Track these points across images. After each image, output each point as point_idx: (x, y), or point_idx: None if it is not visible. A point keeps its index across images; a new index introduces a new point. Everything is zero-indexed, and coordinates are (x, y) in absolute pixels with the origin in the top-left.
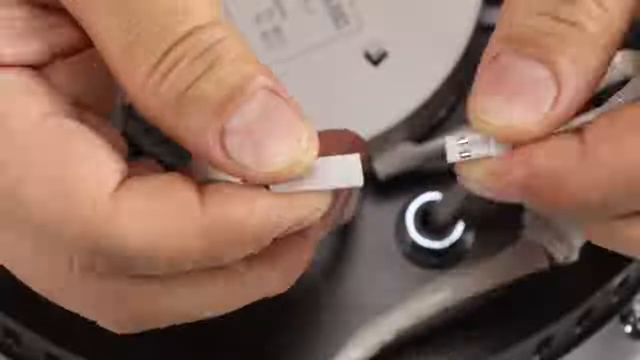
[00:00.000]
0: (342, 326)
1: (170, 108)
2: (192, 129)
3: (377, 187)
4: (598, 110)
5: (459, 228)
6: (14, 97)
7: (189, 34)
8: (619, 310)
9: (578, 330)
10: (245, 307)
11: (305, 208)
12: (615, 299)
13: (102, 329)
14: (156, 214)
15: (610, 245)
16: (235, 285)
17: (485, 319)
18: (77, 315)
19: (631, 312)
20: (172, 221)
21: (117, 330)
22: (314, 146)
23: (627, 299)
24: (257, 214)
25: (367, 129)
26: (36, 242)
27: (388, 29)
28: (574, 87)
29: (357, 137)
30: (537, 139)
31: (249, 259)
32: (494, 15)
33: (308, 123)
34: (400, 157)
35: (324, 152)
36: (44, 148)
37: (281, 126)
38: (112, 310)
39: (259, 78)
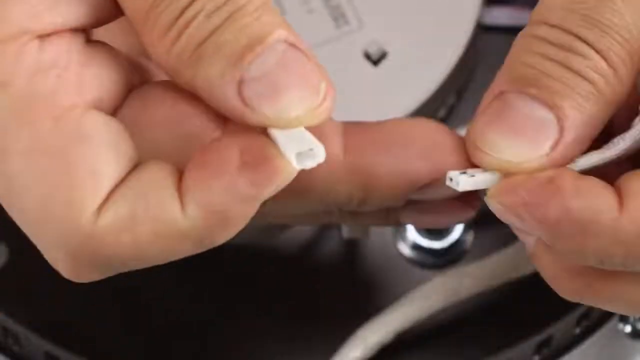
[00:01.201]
0: (341, 326)
1: (188, 60)
2: (210, 79)
3: None
4: (599, 154)
5: (459, 228)
6: (47, 80)
7: None
8: None
9: (577, 330)
10: (246, 307)
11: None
12: None
13: (101, 329)
14: (138, 224)
15: (591, 295)
16: None
17: (485, 319)
18: (77, 315)
19: None
20: (154, 229)
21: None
22: (331, 98)
23: None
24: (235, 197)
25: None
26: (29, 234)
27: (388, 29)
28: (576, 134)
29: None
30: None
31: None
32: (494, 15)
33: (326, 76)
34: None
35: None
36: (51, 149)
37: (299, 76)
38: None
39: (279, 31)
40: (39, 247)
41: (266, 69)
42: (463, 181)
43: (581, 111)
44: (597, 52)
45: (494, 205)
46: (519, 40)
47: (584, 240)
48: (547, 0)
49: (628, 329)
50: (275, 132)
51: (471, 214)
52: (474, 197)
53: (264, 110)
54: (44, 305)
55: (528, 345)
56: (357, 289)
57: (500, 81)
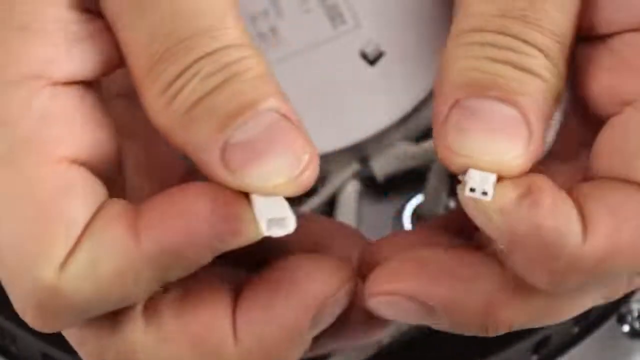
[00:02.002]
0: None
1: (180, 121)
2: (197, 142)
3: (374, 187)
4: None
5: None
6: (49, 128)
7: (214, 52)
8: (617, 310)
9: (576, 329)
10: None
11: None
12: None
13: None
14: (98, 268)
15: (527, 305)
16: None
17: None
18: None
19: (629, 311)
20: (113, 271)
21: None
22: (314, 168)
23: (625, 298)
24: (192, 236)
25: (363, 129)
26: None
27: (384, 29)
28: (540, 128)
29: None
30: (522, 173)
31: None
32: None
33: (311, 147)
34: (397, 157)
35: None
36: (34, 199)
37: (283, 144)
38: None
39: (271, 100)
40: (10, 296)
41: (251, 135)
42: (490, 190)
43: (539, 106)
44: (541, 51)
45: (469, 205)
46: (454, 50)
47: (543, 261)
48: (474, 8)
49: (626, 328)
50: (255, 197)
51: (381, 333)
52: (380, 321)
53: (244, 176)
54: None
55: (526, 344)
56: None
57: (449, 90)
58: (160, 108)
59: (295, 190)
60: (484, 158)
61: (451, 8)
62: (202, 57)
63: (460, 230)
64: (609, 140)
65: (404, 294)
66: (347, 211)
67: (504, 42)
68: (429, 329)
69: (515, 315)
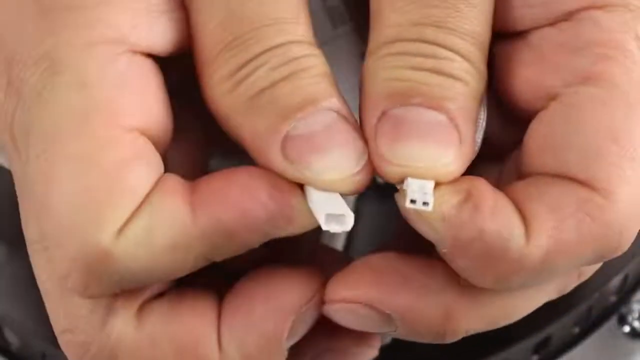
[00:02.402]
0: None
1: (242, 107)
2: (257, 129)
3: (376, 188)
4: None
5: None
6: (121, 97)
7: (283, 45)
8: (617, 310)
9: (576, 330)
10: None
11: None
12: (613, 299)
13: None
14: (154, 238)
15: (480, 307)
16: None
17: None
18: None
19: (629, 312)
20: (168, 242)
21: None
22: (369, 172)
23: (626, 299)
24: (247, 217)
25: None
26: (41, 239)
27: None
28: (468, 131)
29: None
30: (457, 176)
31: None
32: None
33: (368, 152)
34: None
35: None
36: (100, 164)
37: (343, 141)
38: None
39: (333, 100)
40: (53, 255)
41: (313, 130)
42: (430, 200)
43: (464, 109)
44: (460, 55)
45: (411, 214)
46: (375, 62)
47: (489, 264)
48: (390, 20)
49: (627, 329)
50: (310, 189)
51: (374, 353)
52: (373, 337)
53: (302, 168)
54: (41, 305)
55: (527, 345)
56: None
57: (374, 102)
58: (224, 92)
59: (350, 188)
60: (418, 165)
61: None
62: (271, 48)
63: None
64: (538, 136)
65: (361, 302)
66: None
67: (422, 50)
68: None
69: (473, 321)
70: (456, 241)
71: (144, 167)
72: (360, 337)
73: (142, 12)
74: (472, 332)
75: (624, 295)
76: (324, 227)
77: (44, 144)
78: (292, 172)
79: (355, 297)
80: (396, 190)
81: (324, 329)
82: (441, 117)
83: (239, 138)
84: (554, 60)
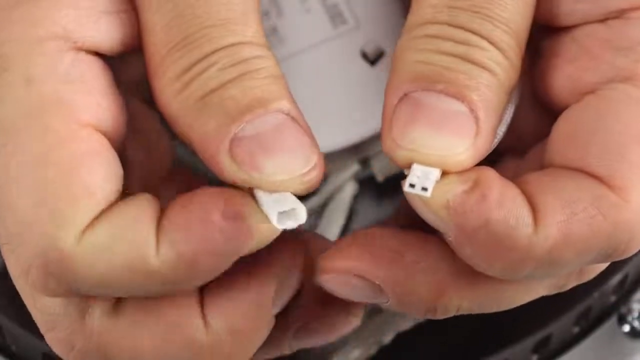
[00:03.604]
0: None
1: (191, 108)
2: (206, 130)
3: (375, 187)
4: None
5: None
6: (72, 92)
7: (233, 45)
8: (617, 310)
9: (576, 329)
10: None
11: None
12: (613, 299)
13: None
14: (113, 254)
15: (475, 294)
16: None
17: (483, 318)
18: None
19: (629, 311)
20: (127, 262)
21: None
22: (320, 172)
23: (625, 298)
24: (210, 246)
25: (363, 129)
26: (8, 236)
27: (385, 28)
28: (489, 125)
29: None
30: (467, 168)
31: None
32: None
33: (319, 153)
34: None
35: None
36: (58, 160)
37: (292, 142)
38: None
39: (283, 101)
40: (16, 251)
41: (261, 131)
42: (429, 186)
43: (488, 100)
44: (492, 44)
45: (415, 201)
46: (406, 43)
47: (496, 253)
48: (427, 1)
49: (626, 328)
50: (259, 193)
51: (357, 321)
52: (356, 306)
53: (250, 169)
54: None
55: (526, 344)
56: None
57: (398, 83)
58: (172, 93)
59: (300, 187)
60: (427, 153)
61: None
62: (220, 49)
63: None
64: (566, 128)
65: (354, 272)
66: (338, 207)
67: (454, 34)
68: (429, 329)
69: (465, 300)
70: (462, 229)
71: (105, 165)
72: (343, 306)
73: (90, 12)
74: (463, 311)
75: (624, 295)
76: (278, 226)
77: (1, 139)
78: (240, 174)
79: (348, 268)
80: (393, 189)
81: (309, 300)
82: (461, 107)
83: (189, 140)
84: (598, 57)
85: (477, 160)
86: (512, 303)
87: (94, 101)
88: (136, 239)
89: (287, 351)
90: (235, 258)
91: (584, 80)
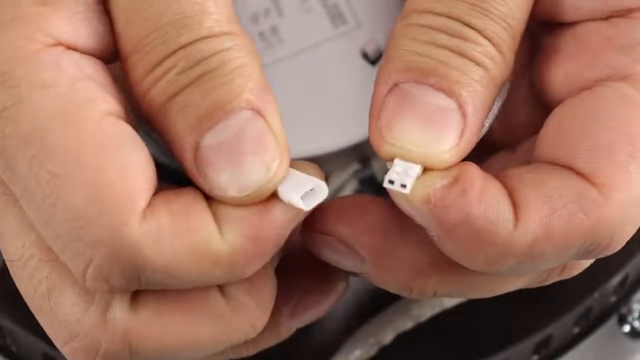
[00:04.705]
0: (340, 326)
1: (158, 110)
2: (172, 137)
3: (376, 187)
4: None
5: None
6: (87, 88)
7: (193, 42)
8: (617, 310)
9: (576, 330)
10: None
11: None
12: (613, 299)
13: None
14: (178, 239)
15: (457, 282)
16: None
17: (483, 318)
18: None
19: (629, 311)
20: (192, 247)
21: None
22: (282, 174)
23: (626, 298)
24: (272, 228)
25: (364, 129)
26: (59, 237)
27: (385, 28)
28: (478, 120)
29: None
30: (450, 165)
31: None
32: None
33: (282, 150)
34: None
35: None
36: (99, 148)
37: (252, 151)
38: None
39: (245, 96)
40: (71, 248)
41: (222, 139)
42: (409, 183)
43: (477, 96)
44: (486, 38)
45: (397, 197)
46: (402, 29)
47: (477, 248)
48: None
49: (627, 328)
50: (280, 191)
51: (345, 285)
52: (337, 275)
53: (212, 181)
54: None
55: (527, 345)
56: (356, 289)
57: (390, 72)
58: (142, 92)
59: (263, 197)
60: (410, 149)
61: None
62: (177, 50)
63: None
64: (557, 122)
65: (340, 237)
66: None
67: (449, 26)
68: (428, 329)
69: (442, 283)
70: (442, 225)
71: (140, 147)
72: (328, 273)
73: (79, 16)
74: (440, 294)
75: (624, 295)
76: (306, 208)
77: (31, 149)
78: (204, 184)
79: (334, 231)
80: None
81: (295, 277)
82: (450, 103)
83: (162, 140)
84: (598, 54)
85: (460, 158)
86: (489, 292)
87: (108, 93)
88: (197, 223)
89: (286, 334)
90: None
91: (582, 77)
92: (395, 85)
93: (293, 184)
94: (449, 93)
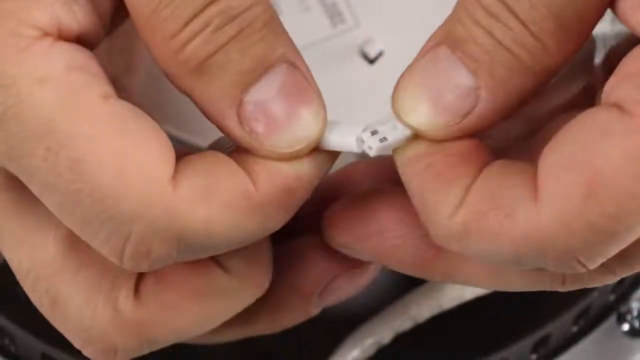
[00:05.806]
0: (339, 327)
1: (191, 71)
2: (210, 96)
3: None
4: None
5: None
6: (82, 75)
7: None
8: (616, 309)
9: (575, 329)
10: None
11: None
12: (612, 298)
13: None
14: (213, 195)
15: (450, 272)
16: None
17: (482, 318)
18: None
19: (628, 310)
20: (229, 201)
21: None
22: (323, 126)
23: (624, 297)
24: (303, 179)
25: (363, 128)
26: (88, 222)
27: (384, 27)
28: (490, 106)
29: None
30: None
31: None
32: None
33: (321, 97)
34: None
35: None
36: (111, 125)
37: (300, 103)
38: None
39: (280, 50)
40: (105, 228)
41: (266, 95)
42: (376, 146)
43: (500, 82)
44: (521, 23)
45: (400, 166)
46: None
47: (424, 220)
48: None
49: (626, 327)
50: (326, 140)
51: (376, 268)
52: (366, 265)
53: (259, 138)
54: None
55: (525, 344)
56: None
57: (439, 31)
58: (169, 55)
59: (306, 150)
60: (408, 113)
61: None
62: (209, 4)
63: None
64: (624, 62)
65: (343, 247)
66: None
67: (493, 6)
68: (428, 329)
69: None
70: (407, 189)
71: (148, 118)
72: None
73: (58, 3)
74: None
75: (623, 294)
76: (372, 154)
77: (43, 142)
78: (249, 142)
79: (336, 241)
80: None
81: (331, 259)
82: (468, 82)
83: (193, 100)
84: None
85: (454, 137)
86: (479, 285)
87: (103, 78)
88: (232, 177)
89: (314, 312)
90: (320, 176)
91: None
92: (437, 44)
93: (338, 132)
94: (470, 70)
